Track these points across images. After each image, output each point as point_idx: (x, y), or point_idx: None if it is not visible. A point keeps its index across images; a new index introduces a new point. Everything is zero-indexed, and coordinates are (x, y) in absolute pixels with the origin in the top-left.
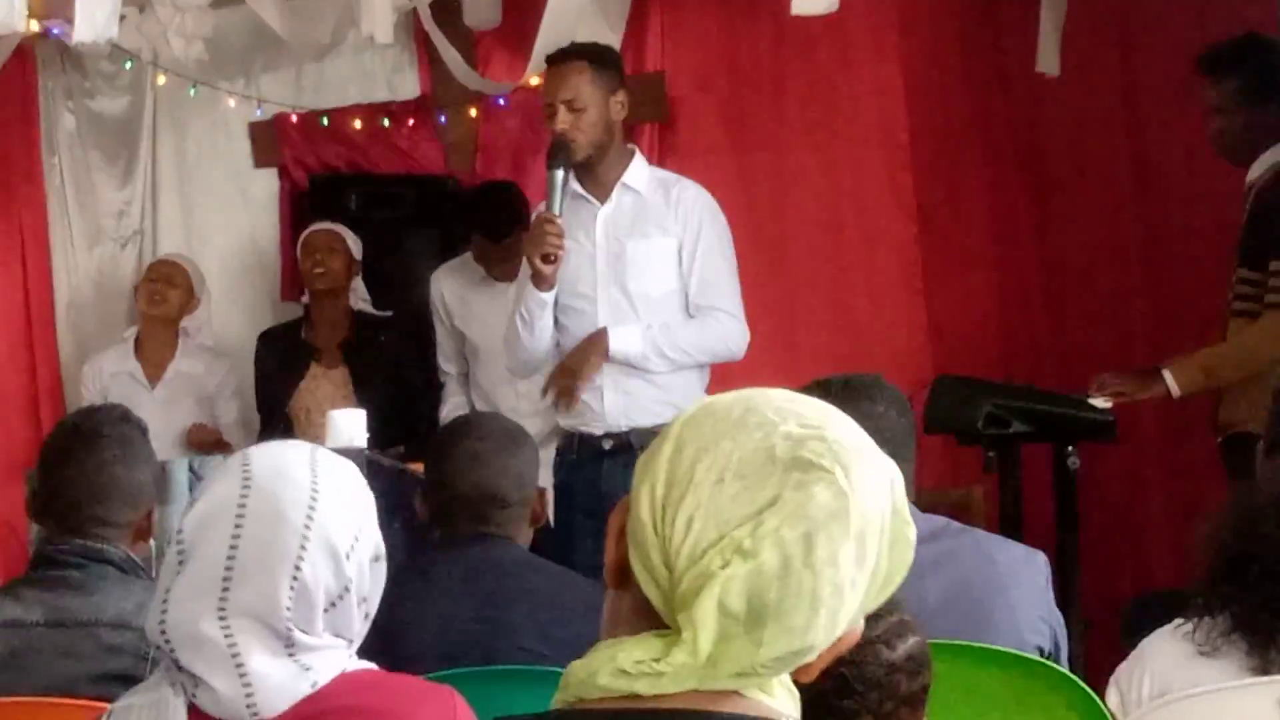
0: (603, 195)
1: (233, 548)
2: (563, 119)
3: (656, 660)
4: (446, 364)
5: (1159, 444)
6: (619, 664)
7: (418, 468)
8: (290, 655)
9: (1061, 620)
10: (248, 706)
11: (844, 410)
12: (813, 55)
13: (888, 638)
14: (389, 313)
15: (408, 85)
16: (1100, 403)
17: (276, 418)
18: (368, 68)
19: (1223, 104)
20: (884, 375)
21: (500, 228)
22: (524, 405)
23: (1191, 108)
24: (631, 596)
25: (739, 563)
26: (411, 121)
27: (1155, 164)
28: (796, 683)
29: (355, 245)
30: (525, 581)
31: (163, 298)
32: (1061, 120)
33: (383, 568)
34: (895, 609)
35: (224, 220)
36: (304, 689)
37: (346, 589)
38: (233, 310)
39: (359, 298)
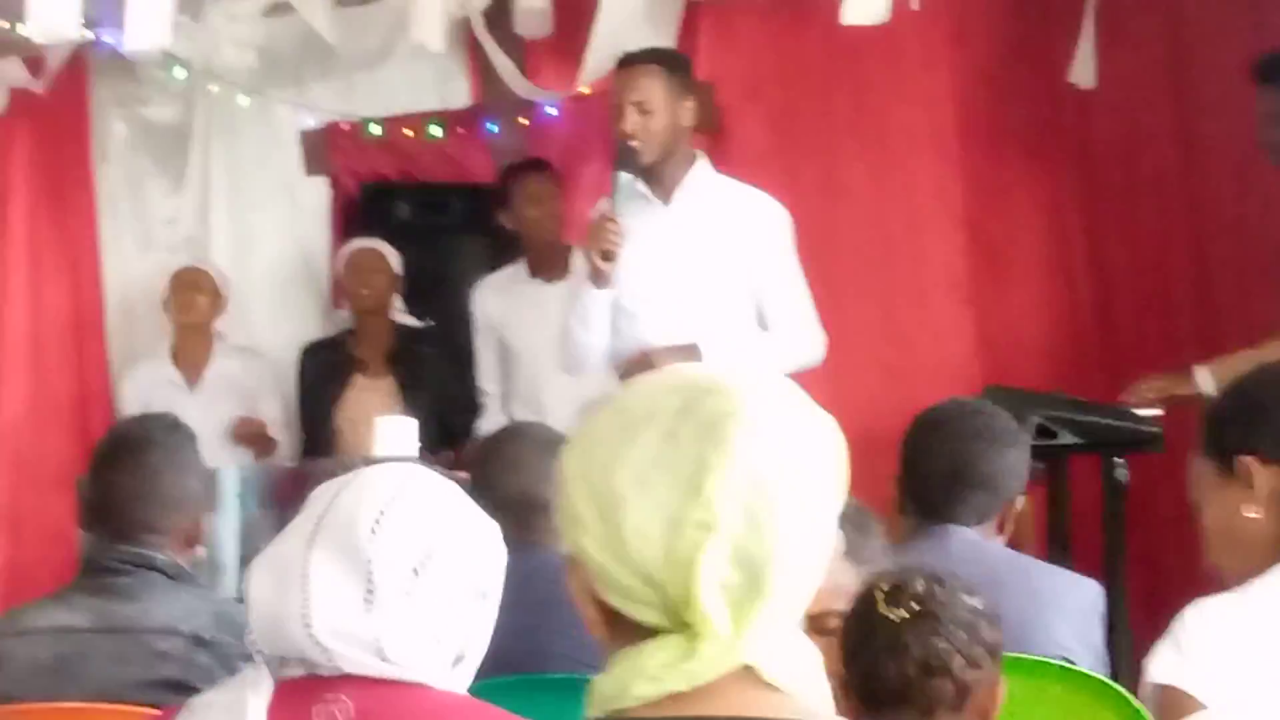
0: (667, 198)
1: (336, 496)
2: (632, 121)
3: (686, 660)
4: (487, 383)
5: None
6: (648, 672)
7: (464, 476)
8: (366, 601)
9: (1103, 651)
10: (302, 617)
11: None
12: (863, 65)
13: (966, 587)
14: (430, 323)
15: (458, 94)
16: (1146, 410)
17: (322, 429)
18: (419, 76)
19: (1275, 112)
20: (932, 386)
21: (531, 164)
22: (567, 410)
23: (1242, 117)
24: (625, 636)
25: (710, 538)
26: (462, 130)
27: (1206, 174)
28: (881, 620)
29: (396, 261)
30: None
31: (191, 304)
32: (1112, 130)
33: (485, 610)
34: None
35: (275, 228)
36: (366, 636)
37: (429, 558)
38: (282, 318)
39: (397, 310)
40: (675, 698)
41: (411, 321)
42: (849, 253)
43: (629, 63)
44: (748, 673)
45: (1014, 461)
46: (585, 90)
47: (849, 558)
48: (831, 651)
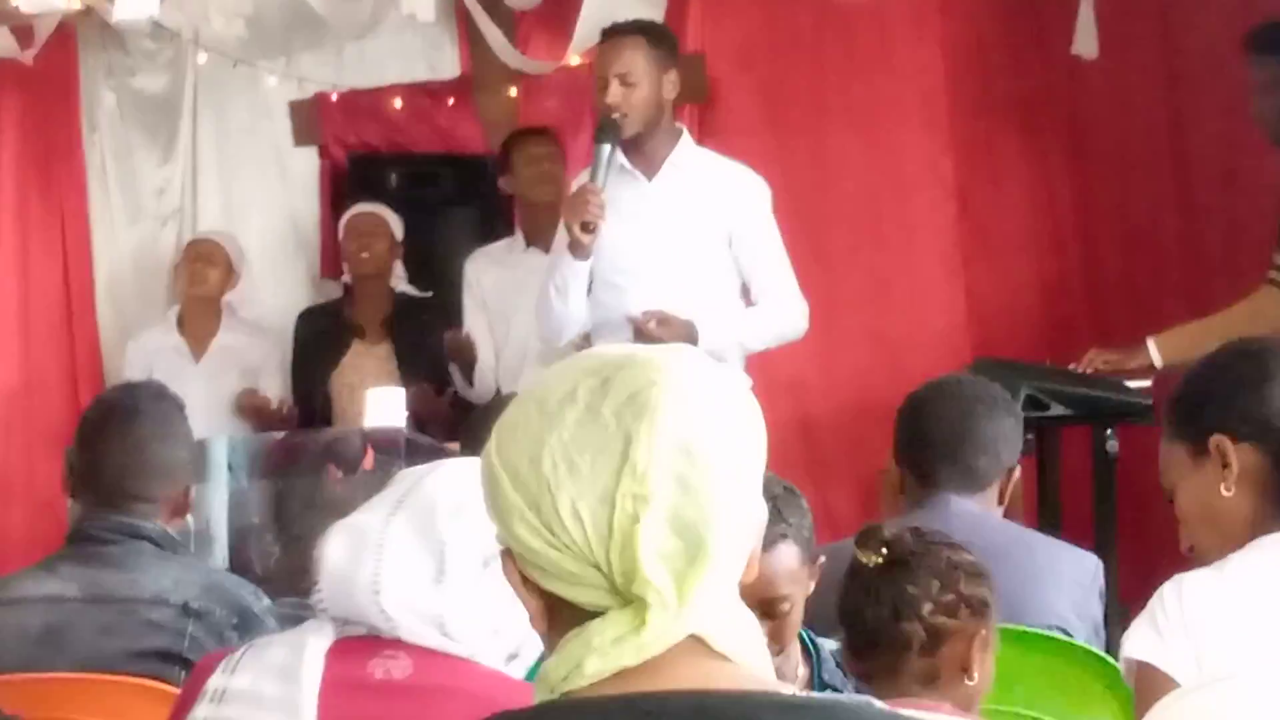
0: (650, 172)
1: (421, 480)
2: (614, 93)
3: (635, 633)
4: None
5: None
6: (598, 648)
7: (455, 448)
8: (435, 581)
9: (1101, 625)
10: (373, 584)
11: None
12: (853, 36)
13: (951, 544)
14: (429, 293)
15: (448, 64)
16: (1139, 384)
17: (316, 394)
18: (408, 47)
19: (1266, 83)
20: (922, 357)
21: (533, 130)
22: None
23: (1232, 88)
24: (567, 623)
25: (645, 508)
26: (451, 101)
27: (1196, 145)
28: (859, 565)
29: (397, 226)
30: None
31: (203, 277)
32: (1102, 101)
33: None
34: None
35: (264, 198)
36: (430, 611)
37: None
38: (272, 288)
39: (398, 278)
40: (625, 674)
41: (412, 290)
42: (839, 224)
43: (612, 34)
44: (696, 644)
45: (1011, 430)
46: (575, 61)
47: (794, 541)
48: (776, 634)
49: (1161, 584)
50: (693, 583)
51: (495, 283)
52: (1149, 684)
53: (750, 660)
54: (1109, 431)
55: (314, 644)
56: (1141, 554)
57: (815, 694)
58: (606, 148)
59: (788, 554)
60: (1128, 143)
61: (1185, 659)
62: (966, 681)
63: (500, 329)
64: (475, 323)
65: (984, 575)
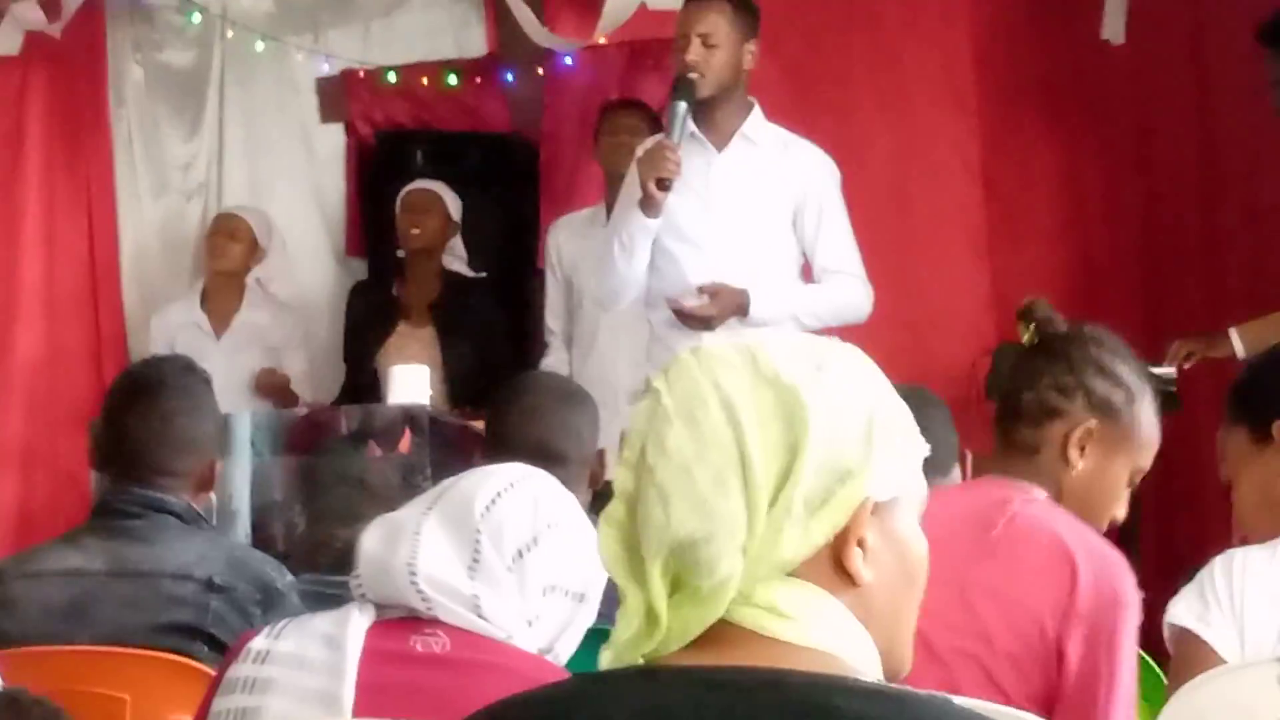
0: (720, 143)
1: (460, 479)
2: (695, 51)
3: (623, 629)
4: (553, 320)
5: (1221, 415)
6: (610, 638)
7: (481, 425)
8: (470, 569)
9: None
10: (408, 566)
11: None
12: (881, 20)
13: (1113, 346)
14: (483, 273)
15: (475, 42)
16: (1163, 371)
17: (364, 370)
18: (436, 24)
19: None
20: (946, 341)
21: (624, 101)
22: (622, 355)
23: (1259, 74)
24: None
25: (617, 504)
26: (478, 79)
27: (1223, 132)
28: None
29: (454, 205)
30: None
31: (224, 252)
32: (1130, 87)
33: (581, 614)
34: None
35: (290, 175)
36: (465, 594)
37: (534, 545)
38: (297, 265)
39: (455, 257)
40: (683, 655)
41: (465, 270)
42: (865, 206)
43: None
44: (748, 634)
45: (944, 411)
46: (603, 40)
47: None
48: None
49: (1183, 568)
50: (658, 578)
51: (573, 254)
52: (1189, 651)
53: (823, 641)
54: None
55: (358, 618)
56: (1164, 541)
57: (891, 684)
58: (682, 106)
59: None
60: (1154, 128)
61: (1228, 631)
62: (1068, 470)
63: (576, 299)
64: (551, 290)
65: (1124, 384)
